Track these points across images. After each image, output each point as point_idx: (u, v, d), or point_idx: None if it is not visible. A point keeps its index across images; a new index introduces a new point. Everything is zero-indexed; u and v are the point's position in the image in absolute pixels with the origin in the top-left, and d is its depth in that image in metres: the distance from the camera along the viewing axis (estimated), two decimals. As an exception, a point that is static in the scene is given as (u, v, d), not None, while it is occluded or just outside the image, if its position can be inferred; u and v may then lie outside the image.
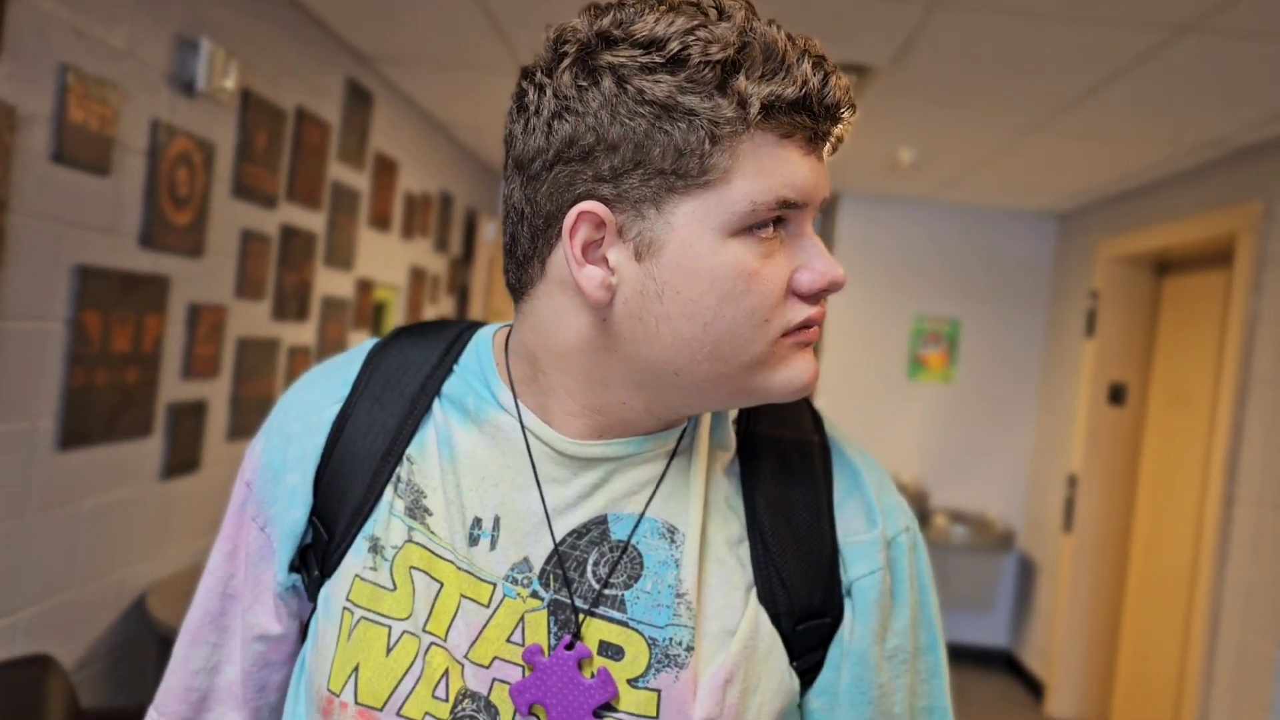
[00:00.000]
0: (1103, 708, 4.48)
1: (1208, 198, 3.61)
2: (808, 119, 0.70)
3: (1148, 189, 4.12)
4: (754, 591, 0.76)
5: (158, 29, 2.23)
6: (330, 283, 3.37)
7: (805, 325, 0.73)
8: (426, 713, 0.74)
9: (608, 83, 0.69)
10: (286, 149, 2.91)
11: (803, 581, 0.77)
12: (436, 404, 0.81)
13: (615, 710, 0.73)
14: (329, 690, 0.76)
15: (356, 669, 0.76)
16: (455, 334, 0.85)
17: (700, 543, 0.76)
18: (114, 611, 2.32)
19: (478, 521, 0.77)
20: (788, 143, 0.70)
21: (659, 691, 0.73)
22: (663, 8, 0.69)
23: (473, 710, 0.74)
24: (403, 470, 0.79)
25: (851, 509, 0.80)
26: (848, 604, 0.78)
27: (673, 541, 0.76)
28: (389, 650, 0.75)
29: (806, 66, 0.69)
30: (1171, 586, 3.92)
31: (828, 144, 0.74)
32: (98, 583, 2.25)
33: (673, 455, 0.79)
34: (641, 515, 0.77)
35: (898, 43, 2.66)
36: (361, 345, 0.87)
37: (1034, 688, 4.78)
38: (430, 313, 4.69)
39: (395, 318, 4.23)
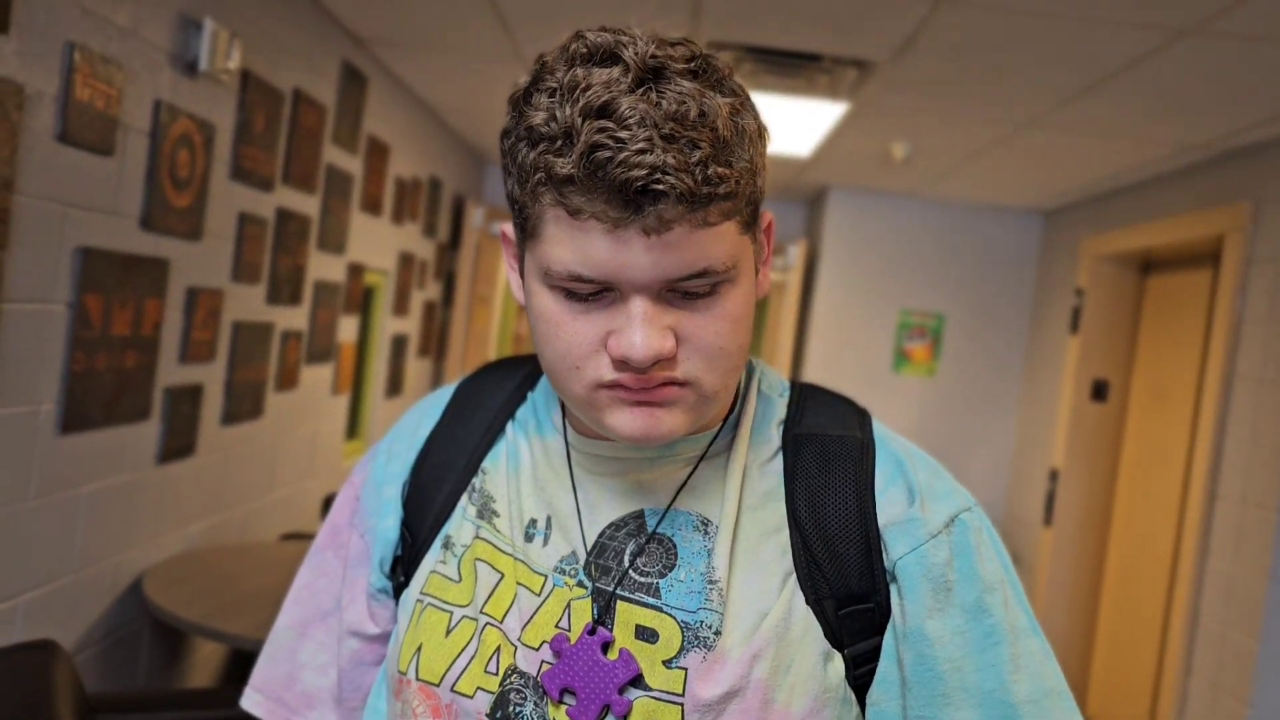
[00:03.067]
0: (1079, 699, 4.54)
1: (1195, 198, 3.65)
2: (595, 201, 0.67)
3: (1134, 188, 4.16)
4: (793, 577, 0.79)
5: (162, 7, 2.20)
6: (322, 267, 3.34)
7: (619, 385, 0.73)
8: (478, 686, 0.79)
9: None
10: (284, 131, 2.88)
11: (841, 565, 0.79)
12: (509, 425, 0.91)
13: (646, 688, 0.76)
14: (398, 670, 0.84)
15: (420, 649, 0.82)
16: (533, 366, 0.96)
17: (733, 535, 0.80)
18: (109, 596, 2.30)
19: (533, 522, 0.85)
20: (580, 219, 0.68)
21: (686, 670, 0.76)
22: (580, 53, 0.71)
23: (520, 685, 0.79)
24: (477, 480, 0.89)
25: (894, 495, 0.81)
26: (893, 588, 0.78)
27: (706, 533, 0.81)
28: (448, 632, 0.82)
29: (584, 144, 0.66)
30: (1149, 580, 3.98)
31: (641, 226, 0.67)
32: (94, 567, 2.23)
33: (702, 458, 0.83)
34: (668, 508, 0.82)
35: (902, 38, 2.67)
36: (458, 379, 1.00)
37: (1011, 678, 4.84)
38: (418, 298, 4.67)
39: (384, 302, 4.20)
